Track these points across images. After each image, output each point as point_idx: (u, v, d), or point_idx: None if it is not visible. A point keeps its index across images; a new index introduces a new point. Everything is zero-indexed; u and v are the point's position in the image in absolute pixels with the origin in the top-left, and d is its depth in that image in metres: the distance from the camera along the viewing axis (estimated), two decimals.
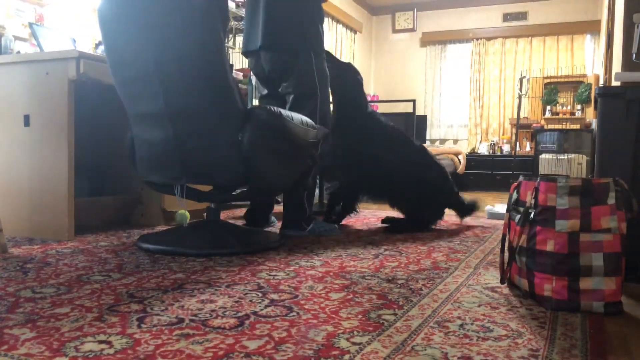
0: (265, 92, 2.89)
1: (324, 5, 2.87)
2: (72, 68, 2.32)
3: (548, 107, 7.10)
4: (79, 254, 2.07)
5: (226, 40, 1.99)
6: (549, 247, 1.44)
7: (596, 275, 1.40)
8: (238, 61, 4.71)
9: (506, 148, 7.26)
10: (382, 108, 3.86)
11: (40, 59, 2.44)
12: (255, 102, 4.67)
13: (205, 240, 2.19)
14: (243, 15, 4.36)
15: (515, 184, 1.63)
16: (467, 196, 3.34)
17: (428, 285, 1.67)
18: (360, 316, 1.32)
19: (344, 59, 7.27)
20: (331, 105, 3.02)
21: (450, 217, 3.65)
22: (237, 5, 4.49)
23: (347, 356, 1.06)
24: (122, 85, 2.17)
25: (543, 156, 6.36)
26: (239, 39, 4.87)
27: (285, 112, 2.20)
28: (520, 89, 5.93)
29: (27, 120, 2.44)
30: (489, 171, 7.06)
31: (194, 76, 2.03)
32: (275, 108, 2.17)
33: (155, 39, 2.00)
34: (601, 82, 5.53)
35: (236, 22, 4.56)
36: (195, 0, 1.94)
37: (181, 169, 2.15)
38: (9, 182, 2.49)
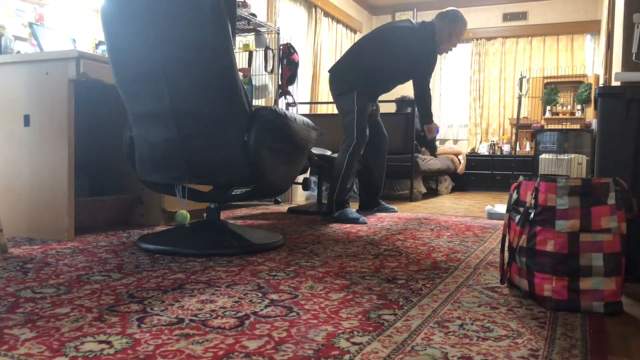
0: None
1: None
2: (72, 68, 2.32)
3: (548, 107, 7.10)
4: (79, 254, 2.07)
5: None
6: (549, 247, 1.44)
7: (596, 275, 1.40)
8: (238, 61, 4.71)
9: (506, 148, 7.26)
10: (382, 108, 3.90)
11: (40, 59, 2.44)
12: (255, 102, 4.68)
13: (205, 241, 2.20)
14: (243, 15, 4.37)
15: (515, 184, 1.63)
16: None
17: (428, 285, 1.67)
18: (360, 316, 1.32)
19: None
20: None
21: (451, 217, 3.65)
22: (237, 5, 4.48)
23: (347, 356, 1.06)
24: (124, 84, 2.17)
25: (543, 156, 6.36)
26: (239, 39, 4.88)
27: (290, 113, 2.21)
28: (520, 89, 5.94)
29: (27, 120, 2.44)
30: (489, 171, 7.06)
31: (202, 76, 2.03)
32: (280, 109, 2.18)
33: (162, 38, 1.99)
34: (601, 82, 5.53)
35: (236, 22, 4.56)
36: (204, 0, 1.94)
37: (185, 169, 2.15)
38: (8, 182, 2.49)
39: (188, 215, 2.74)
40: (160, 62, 2.02)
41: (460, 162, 6.87)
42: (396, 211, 3.88)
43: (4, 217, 2.36)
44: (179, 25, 1.98)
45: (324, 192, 3.93)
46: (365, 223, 3.19)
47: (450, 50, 3.61)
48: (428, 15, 8.02)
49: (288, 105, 5.00)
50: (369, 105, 3.43)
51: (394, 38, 3.45)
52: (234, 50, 3.75)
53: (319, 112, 6.48)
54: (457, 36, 3.52)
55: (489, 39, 7.67)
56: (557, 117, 7.03)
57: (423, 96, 3.58)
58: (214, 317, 1.29)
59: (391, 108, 6.31)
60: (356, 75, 3.38)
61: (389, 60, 3.39)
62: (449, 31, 3.45)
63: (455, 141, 7.94)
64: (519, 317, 1.35)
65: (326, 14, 6.76)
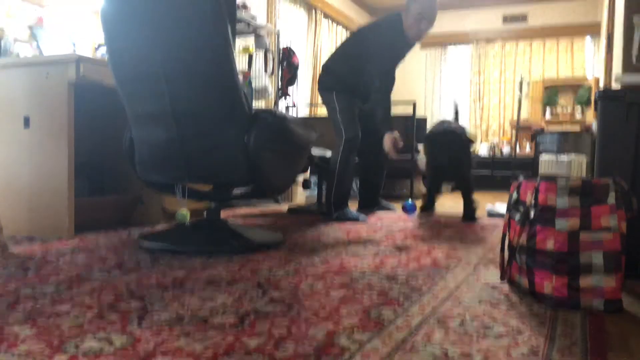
0: None
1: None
2: (72, 70, 2.32)
3: (548, 109, 7.11)
4: (79, 252, 2.07)
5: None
6: (549, 245, 1.44)
7: (596, 273, 1.40)
8: (238, 63, 4.72)
9: (506, 150, 7.27)
10: None
11: (40, 61, 2.45)
12: (255, 104, 4.69)
13: (205, 239, 2.20)
14: (244, 18, 4.38)
15: (516, 183, 1.63)
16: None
17: (428, 283, 1.67)
18: (360, 314, 1.32)
19: None
20: None
21: (451, 216, 3.65)
22: (237, 7, 4.49)
23: (347, 354, 1.06)
24: (124, 85, 2.17)
25: (543, 158, 6.37)
26: (239, 41, 4.88)
27: (289, 115, 2.23)
28: (520, 92, 5.95)
29: (27, 122, 2.44)
30: (489, 172, 7.06)
31: (202, 77, 2.03)
32: (279, 111, 2.19)
33: (163, 39, 2.00)
34: (601, 84, 5.54)
35: (236, 24, 4.57)
36: (204, 1, 1.94)
37: (185, 169, 2.15)
38: (9, 183, 2.49)
39: (188, 214, 2.74)
40: (160, 62, 2.02)
41: None
42: (395, 209, 3.88)
43: (4, 217, 2.36)
44: (178, 26, 1.99)
45: (324, 191, 3.93)
46: (366, 221, 3.19)
47: (420, 36, 3.34)
48: None
49: (288, 107, 5.01)
50: (353, 102, 3.40)
51: (362, 36, 3.42)
52: (234, 52, 3.78)
53: (319, 114, 6.49)
54: (422, 19, 3.24)
55: (488, 41, 7.69)
56: (557, 119, 7.04)
57: (388, 91, 3.38)
58: (214, 315, 1.29)
59: (394, 110, 6.32)
60: (331, 78, 3.43)
61: (357, 59, 3.36)
62: (412, 15, 3.25)
63: None
64: (519, 315, 1.35)
65: (326, 16, 6.77)
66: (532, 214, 1.49)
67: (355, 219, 3.22)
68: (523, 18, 7.53)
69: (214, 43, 1.99)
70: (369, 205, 3.86)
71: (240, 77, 4.31)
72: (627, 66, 2.19)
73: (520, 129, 6.91)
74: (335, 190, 3.31)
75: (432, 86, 7.99)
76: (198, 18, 1.96)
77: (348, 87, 3.38)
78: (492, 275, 1.81)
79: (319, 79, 3.55)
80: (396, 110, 6.95)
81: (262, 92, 4.70)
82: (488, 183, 7.00)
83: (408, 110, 5.31)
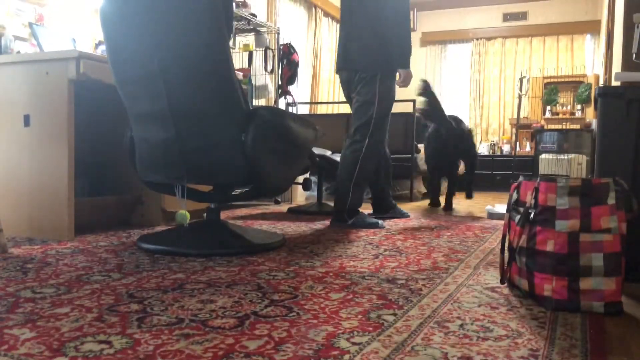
0: None
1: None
2: (72, 68, 2.32)
3: (548, 107, 7.11)
4: (79, 254, 2.07)
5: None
6: (549, 247, 1.44)
7: (596, 275, 1.40)
8: (238, 60, 4.72)
9: (506, 148, 7.27)
10: None
11: (40, 59, 2.44)
12: (255, 102, 4.68)
13: (205, 241, 2.20)
14: (243, 15, 4.37)
15: (515, 184, 1.63)
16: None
17: (428, 285, 1.67)
18: (360, 316, 1.32)
19: None
20: None
21: (451, 217, 3.65)
22: (237, 5, 4.49)
23: (347, 356, 1.06)
24: (123, 84, 2.17)
25: (543, 156, 6.36)
26: (239, 39, 4.88)
27: (288, 112, 2.21)
28: (520, 89, 5.94)
29: (27, 120, 2.44)
30: (489, 171, 7.06)
31: (198, 76, 2.03)
32: (279, 108, 2.18)
33: (159, 38, 1.99)
34: (601, 82, 5.53)
35: (236, 22, 4.57)
36: (200, 0, 1.94)
37: (183, 169, 2.15)
38: (9, 182, 2.49)
39: (188, 215, 2.73)
40: (157, 61, 2.02)
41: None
42: (411, 216, 3.65)
43: (4, 217, 2.36)
44: (175, 24, 1.98)
45: (325, 192, 3.91)
46: (384, 227, 3.00)
47: None
48: (428, 15, 8.05)
49: (288, 105, 5.00)
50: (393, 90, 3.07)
51: None
52: (234, 50, 3.74)
53: (319, 112, 6.48)
54: None
55: (489, 39, 7.68)
56: (557, 117, 7.04)
57: None
58: (214, 317, 1.29)
59: (394, 108, 6.32)
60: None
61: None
62: None
63: None
64: (519, 317, 1.35)
65: (326, 14, 6.76)
66: (532, 214, 1.49)
67: (374, 225, 2.97)
68: (523, 16, 7.52)
69: (208, 37, 1.98)
70: (383, 209, 3.54)
71: (240, 75, 4.31)
72: (627, 63, 2.19)
73: (520, 127, 6.91)
74: (353, 195, 3.00)
75: (432, 84, 7.97)
76: (193, 13, 1.96)
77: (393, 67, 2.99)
78: (492, 277, 1.81)
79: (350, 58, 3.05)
80: (396, 108, 6.95)
81: (262, 90, 4.69)
82: (488, 182, 7.00)
83: (408, 109, 5.31)
